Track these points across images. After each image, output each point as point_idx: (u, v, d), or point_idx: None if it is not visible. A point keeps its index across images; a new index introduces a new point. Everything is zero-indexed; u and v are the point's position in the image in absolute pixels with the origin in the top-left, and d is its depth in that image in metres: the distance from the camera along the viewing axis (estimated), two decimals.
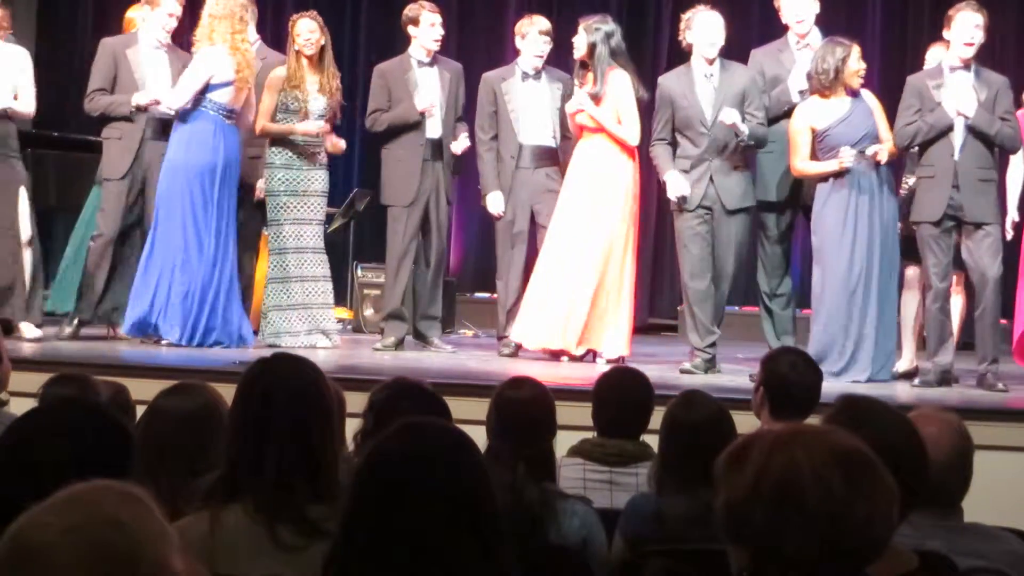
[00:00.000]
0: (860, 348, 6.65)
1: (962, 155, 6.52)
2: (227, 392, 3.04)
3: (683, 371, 6.91)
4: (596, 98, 7.19)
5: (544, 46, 7.58)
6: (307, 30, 7.41)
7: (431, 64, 7.63)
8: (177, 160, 7.11)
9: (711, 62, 7.05)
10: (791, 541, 1.80)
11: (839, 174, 6.66)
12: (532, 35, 7.58)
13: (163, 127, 7.31)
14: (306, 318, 7.47)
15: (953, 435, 2.91)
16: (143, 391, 3.75)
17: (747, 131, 6.87)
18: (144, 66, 7.34)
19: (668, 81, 7.17)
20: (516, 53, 7.80)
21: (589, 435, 4.04)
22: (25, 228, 7.10)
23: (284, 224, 7.44)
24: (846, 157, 6.60)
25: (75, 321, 7.24)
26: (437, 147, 7.59)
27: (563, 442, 3.74)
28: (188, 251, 7.10)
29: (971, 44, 6.57)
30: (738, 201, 7.02)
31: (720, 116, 6.88)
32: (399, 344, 7.59)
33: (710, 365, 7.01)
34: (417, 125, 7.53)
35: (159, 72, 7.36)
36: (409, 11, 7.67)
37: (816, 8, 7.24)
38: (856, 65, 6.70)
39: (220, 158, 7.17)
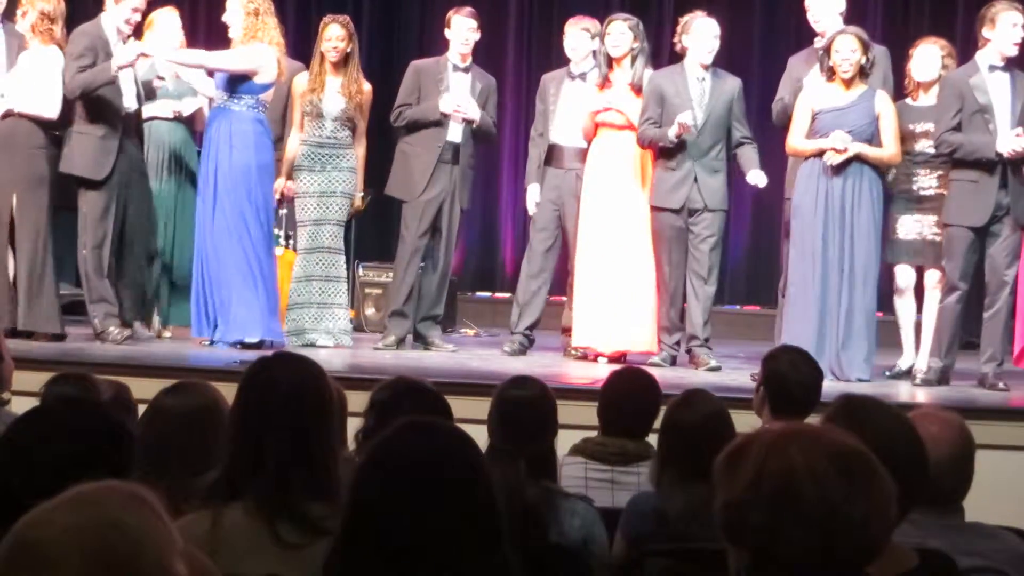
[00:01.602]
0: (827, 343, 6.62)
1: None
2: (227, 391, 3.04)
3: (651, 364, 6.95)
4: (638, 91, 7.30)
5: (580, 43, 7.56)
6: (335, 37, 7.49)
7: (465, 71, 7.65)
8: (248, 162, 7.06)
9: (706, 68, 7.20)
10: (789, 541, 1.80)
11: (819, 157, 6.68)
12: (569, 32, 7.65)
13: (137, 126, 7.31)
14: (316, 317, 7.53)
15: (955, 434, 2.91)
16: (144, 390, 3.75)
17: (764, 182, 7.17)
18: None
19: (660, 78, 7.28)
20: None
21: (590, 434, 4.04)
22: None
23: (308, 225, 7.57)
24: (836, 139, 6.61)
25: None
26: (456, 151, 7.59)
27: (564, 441, 3.74)
28: (268, 252, 7.22)
29: (1019, 44, 6.59)
30: (720, 202, 7.19)
31: (755, 181, 7.13)
32: (400, 343, 7.60)
33: (673, 361, 7.21)
34: (437, 124, 7.55)
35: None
36: (450, 13, 7.75)
37: (839, 7, 7.26)
38: (836, 55, 6.72)
39: (272, 157, 7.26)
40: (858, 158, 6.64)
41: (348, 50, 7.50)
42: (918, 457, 2.58)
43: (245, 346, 6.96)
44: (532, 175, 7.71)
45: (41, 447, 2.15)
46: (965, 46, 7.02)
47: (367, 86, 7.63)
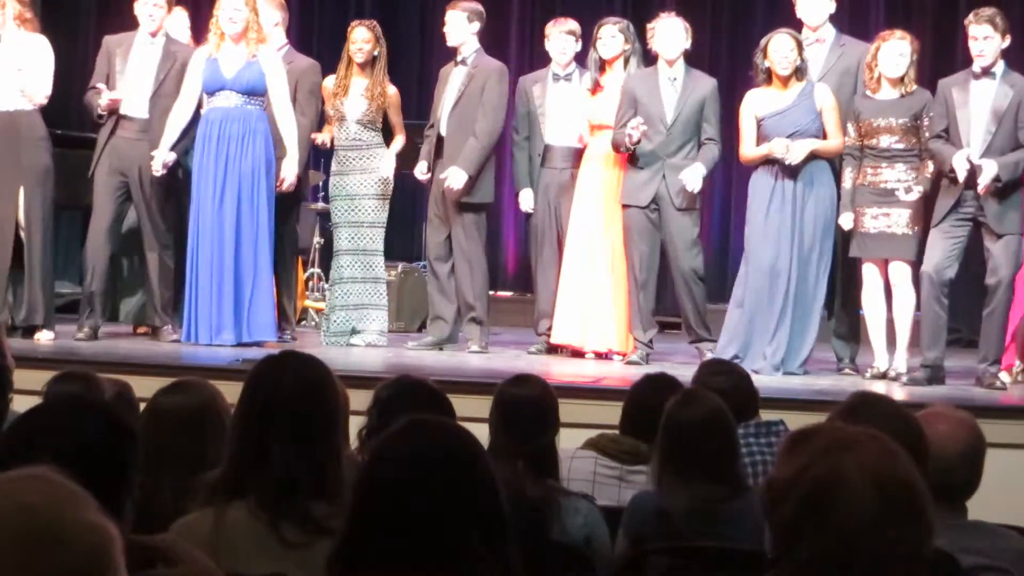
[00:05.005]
0: (774, 341, 6.78)
1: (982, 160, 6.44)
2: (229, 390, 3.04)
3: (629, 362, 7.04)
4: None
5: (568, 46, 7.62)
6: (361, 39, 7.59)
7: (462, 63, 7.64)
8: (271, 158, 7.11)
9: (671, 64, 7.23)
10: (807, 540, 1.79)
11: (769, 163, 6.81)
12: (555, 35, 7.67)
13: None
14: (355, 318, 7.60)
15: (965, 433, 2.92)
16: (147, 388, 3.75)
17: (697, 187, 7.02)
18: (131, 60, 7.26)
19: (633, 81, 7.32)
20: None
21: (591, 432, 4.03)
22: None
23: (341, 227, 7.68)
24: (775, 147, 6.74)
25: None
26: (440, 144, 7.61)
27: (566, 439, 3.74)
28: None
29: (979, 55, 6.56)
30: (688, 200, 7.12)
31: (684, 179, 6.98)
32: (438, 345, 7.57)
33: (647, 359, 7.17)
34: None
35: (145, 66, 7.29)
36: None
37: (829, 8, 7.27)
38: (774, 54, 6.83)
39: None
40: (812, 156, 6.75)
41: (375, 53, 7.59)
42: (920, 457, 2.58)
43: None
44: (522, 180, 7.71)
45: (44, 446, 2.15)
46: (966, 47, 6.99)
47: (392, 89, 7.70)
